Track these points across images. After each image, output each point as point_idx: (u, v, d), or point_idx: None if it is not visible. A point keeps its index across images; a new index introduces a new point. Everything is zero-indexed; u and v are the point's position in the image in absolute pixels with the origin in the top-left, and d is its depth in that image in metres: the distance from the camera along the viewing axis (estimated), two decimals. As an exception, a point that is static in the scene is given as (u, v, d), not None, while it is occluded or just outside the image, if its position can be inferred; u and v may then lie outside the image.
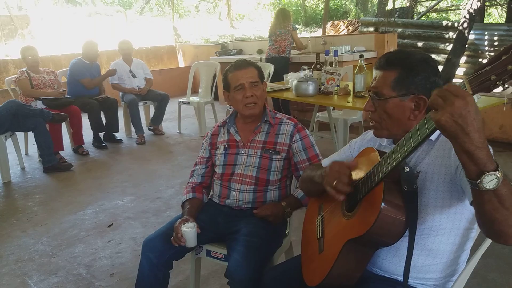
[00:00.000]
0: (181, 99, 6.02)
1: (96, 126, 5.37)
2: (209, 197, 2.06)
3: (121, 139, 5.71)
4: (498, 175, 0.86)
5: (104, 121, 5.53)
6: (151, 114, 6.03)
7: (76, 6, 16.89)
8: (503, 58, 0.86)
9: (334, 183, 1.23)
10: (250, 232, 1.76)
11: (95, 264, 2.71)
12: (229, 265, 1.66)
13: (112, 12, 14.22)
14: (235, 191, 1.92)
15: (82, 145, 5.17)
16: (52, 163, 4.51)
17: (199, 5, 18.85)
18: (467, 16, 8.13)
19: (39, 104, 4.78)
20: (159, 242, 1.81)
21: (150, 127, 6.06)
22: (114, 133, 5.69)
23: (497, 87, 0.89)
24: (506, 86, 0.98)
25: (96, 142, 5.45)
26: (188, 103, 5.90)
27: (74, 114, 4.92)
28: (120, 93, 5.83)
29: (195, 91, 6.66)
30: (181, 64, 10.23)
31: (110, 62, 5.98)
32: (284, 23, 5.74)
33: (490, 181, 0.86)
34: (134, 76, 5.78)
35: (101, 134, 5.53)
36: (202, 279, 2.29)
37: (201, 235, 1.78)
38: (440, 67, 8.55)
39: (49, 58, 8.12)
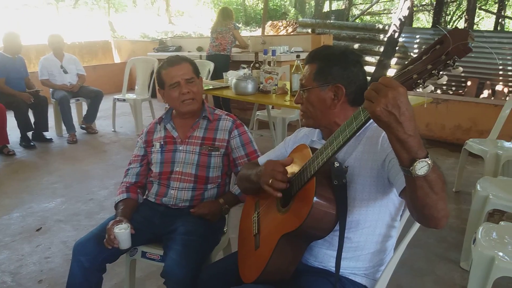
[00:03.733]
0: (116, 96, 5.82)
1: (23, 124, 5.05)
2: (144, 196, 2.00)
3: (51, 139, 5.42)
4: (429, 162, 0.92)
5: (32, 120, 5.21)
6: (84, 112, 5.78)
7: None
8: (423, 58, 0.91)
9: (270, 181, 1.27)
10: (187, 230, 1.73)
11: (21, 270, 2.55)
12: (165, 265, 1.63)
13: (42, 5, 13.45)
14: (173, 190, 1.88)
15: (7, 145, 4.83)
16: (-28, 164, 4.18)
17: (137, -1, 18.34)
18: (397, 21, 8.64)
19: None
20: (91, 245, 1.73)
21: (82, 126, 5.80)
22: (43, 132, 5.38)
23: (419, 85, 0.93)
24: (426, 85, 1.04)
25: (24, 141, 5.13)
26: (124, 100, 5.73)
27: (-2, 111, 4.59)
28: (50, 89, 5.52)
29: (131, 88, 6.47)
30: (117, 60, 9.90)
31: (40, 57, 5.63)
32: (225, 21, 5.77)
33: (421, 167, 0.92)
34: (65, 72, 5.49)
35: (30, 133, 5.20)
36: (138, 282, 2.23)
37: (136, 236, 1.73)
38: (373, 68, 9.01)
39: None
